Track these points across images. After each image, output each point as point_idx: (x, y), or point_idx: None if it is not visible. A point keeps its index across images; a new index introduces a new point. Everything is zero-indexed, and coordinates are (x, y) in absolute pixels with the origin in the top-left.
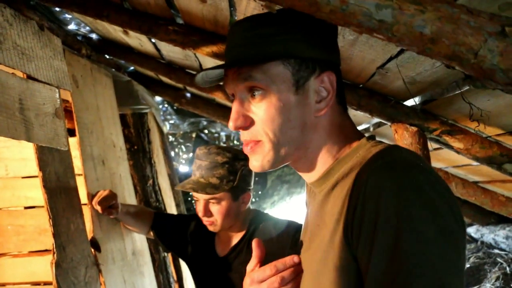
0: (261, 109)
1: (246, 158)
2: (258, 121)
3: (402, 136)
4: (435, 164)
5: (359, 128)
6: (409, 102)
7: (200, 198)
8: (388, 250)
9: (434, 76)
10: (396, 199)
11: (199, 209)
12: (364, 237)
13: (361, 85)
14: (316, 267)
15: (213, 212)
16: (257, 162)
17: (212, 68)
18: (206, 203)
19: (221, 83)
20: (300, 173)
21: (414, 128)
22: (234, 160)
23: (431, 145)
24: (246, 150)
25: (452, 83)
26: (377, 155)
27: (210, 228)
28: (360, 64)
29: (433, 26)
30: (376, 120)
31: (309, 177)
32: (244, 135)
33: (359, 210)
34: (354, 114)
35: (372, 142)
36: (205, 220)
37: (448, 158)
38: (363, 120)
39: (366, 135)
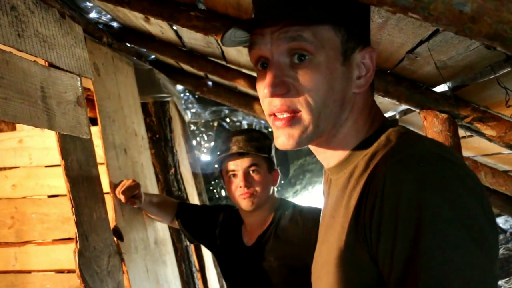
0: (306, 75)
1: (272, 139)
2: (300, 88)
3: (431, 124)
4: (463, 153)
5: (385, 115)
6: (439, 88)
7: (239, 169)
8: (409, 257)
9: (467, 60)
10: (418, 198)
11: (238, 182)
12: (384, 240)
13: (388, 71)
14: (331, 262)
15: (253, 181)
16: (290, 137)
17: (248, 21)
18: (246, 173)
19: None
20: (320, 156)
21: (444, 115)
22: (264, 138)
23: (461, 133)
24: (277, 123)
25: (487, 67)
26: (397, 147)
27: (250, 202)
28: (389, 49)
29: (474, 3)
30: (402, 107)
31: (328, 162)
32: (277, 104)
33: (377, 210)
34: (381, 101)
35: (395, 129)
36: (245, 192)
37: (477, 147)
38: (389, 108)
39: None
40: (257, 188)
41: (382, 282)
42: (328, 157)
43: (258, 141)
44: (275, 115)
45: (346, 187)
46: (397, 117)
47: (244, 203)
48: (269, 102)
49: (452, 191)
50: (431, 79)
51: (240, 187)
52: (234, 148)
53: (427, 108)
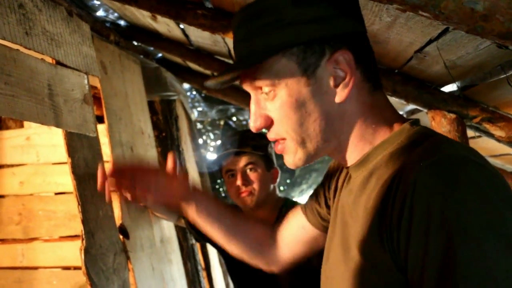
0: (275, 108)
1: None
2: (275, 120)
3: (439, 124)
4: None
5: None
6: (447, 88)
7: (236, 169)
8: (444, 268)
9: (477, 59)
10: (451, 205)
11: (237, 182)
12: (415, 248)
13: (396, 70)
14: (349, 263)
15: (250, 179)
16: (289, 159)
17: (219, 75)
18: (243, 172)
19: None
20: (337, 159)
21: (453, 115)
22: (261, 137)
23: (469, 133)
24: (277, 149)
25: (497, 67)
26: (427, 150)
27: (248, 200)
28: (397, 48)
29: (486, 1)
30: (410, 107)
31: (345, 162)
32: (269, 135)
33: (406, 216)
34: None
35: (417, 129)
36: (243, 191)
37: (486, 147)
38: (397, 107)
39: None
40: (255, 186)
41: (406, 287)
42: (344, 159)
43: (254, 140)
44: (274, 142)
45: (365, 187)
46: (405, 116)
47: (243, 201)
48: (267, 132)
49: (486, 198)
50: (440, 79)
51: (238, 185)
52: (231, 148)
53: (435, 108)
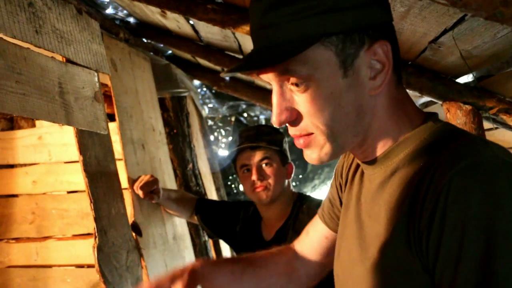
0: (307, 101)
1: (284, 132)
2: (306, 114)
3: (455, 115)
4: None
5: None
6: (462, 79)
7: (252, 164)
8: (479, 279)
9: (494, 49)
10: (488, 211)
11: (252, 177)
12: (446, 254)
13: (410, 62)
14: (370, 264)
15: (266, 174)
16: (314, 154)
17: (238, 69)
18: (259, 166)
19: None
20: (354, 153)
21: (468, 107)
22: (276, 132)
23: (485, 125)
24: (299, 143)
25: None
26: (461, 151)
27: (263, 195)
28: (410, 39)
29: None
30: (423, 99)
31: (362, 157)
32: (292, 130)
33: (438, 219)
34: None
35: (440, 125)
36: (258, 185)
37: (502, 140)
38: None
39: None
40: (270, 181)
41: (429, 285)
42: (363, 154)
43: (269, 135)
44: (295, 137)
45: (386, 186)
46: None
47: (258, 196)
48: (288, 128)
49: None
50: (455, 70)
51: (253, 180)
52: (246, 143)
53: (450, 100)
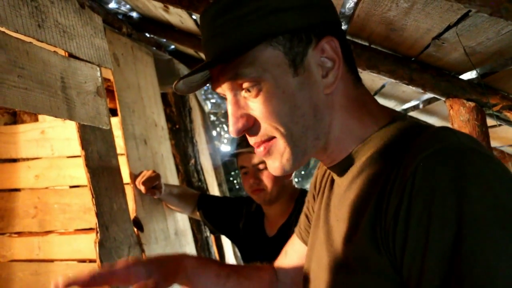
0: (260, 103)
1: None
2: (262, 117)
3: (458, 112)
4: (491, 143)
5: (407, 105)
6: (466, 76)
7: (249, 166)
8: (448, 262)
9: (498, 45)
10: (456, 197)
11: (250, 179)
12: (412, 245)
13: (413, 58)
14: (339, 267)
15: (262, 177)
16: (275, 163)
17: (189, 74)
18: (256, 169)
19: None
20: (320, 158)
21: (472, 104)
22: None
23: (489, 122)
24: (259, 152)
25: None
26: (426, 139)
27: (260, 198)
28: (414, 35)
29: None
30: (426, 96)
31: (329, 161)
32: (252, 139)
33: (403, 212)
34: (404, 90)
35: (407, 123)
36: (255, 188)
37: (505, 137)
38: (413, 97)
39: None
40: (267, 184)
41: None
42: (329, 158)
43: None
44: (256, 146)
45: (352, 187)
46: (421, 106)
47: (255, 198)
48: (248, 137)
49: (491, 189)
50: (458, 66)
51: (250, 183)
52: (243, 145)
53: (453, 97)
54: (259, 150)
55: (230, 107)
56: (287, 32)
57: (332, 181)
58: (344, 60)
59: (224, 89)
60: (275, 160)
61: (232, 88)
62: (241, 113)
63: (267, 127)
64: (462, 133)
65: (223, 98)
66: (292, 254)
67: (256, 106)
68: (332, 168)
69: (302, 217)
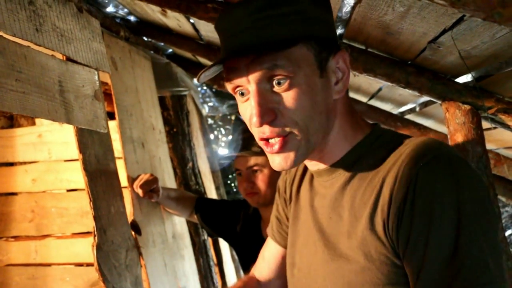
0: (289, 97)
1: None
2: (286, 111)
3: (454, 115)
4: (486, 145)
5: (404, 108)
6: (462, 79)
7: (243, 169)
8: (447, 246)
9: (493, 49)
10: (454, 195)
11: (244, 182)
12: (416, 236)
13: (409, 62)
14: (338, 265)
15: (256, 181)
16: (287, 159)
17: (222, 60)
18: (249, 173)
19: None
20: (310, 162)
21: (467, 107)
22: None
23: (484, 125)
24: (270, 149)
25: None
26: (422, 149)
27: (254, 201)
28: (410, 39)
29: None
30: (423, 99)
31: (318, 165)
32: (267, 131)
33: (408, 206)
34: (400, 93)
35: (387, 131)
36: (249, 191)
37: (500, 139)
38: (409, 100)
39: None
40: (261, 187)
41: (403, 274)
42: (321, 159)
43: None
44: (267, 141)
45: (347, 187)
46: (417, 109)
47: (250, 201)
48: (258, 129)
49: (476, 189)
50: (454, 70)
51: (244, 186)
52: (237, 149)
53: (449, 100)
54: (274, 146)
55: (256, 98)
56: (320, 39)
57: (311, 183)
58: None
59: (251, 79)
60: (289, 154)
61: (261, 79)
62: (268, 105)
63: (288, 121)
64: (447, 144)
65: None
66: (269, 256)
67: (284, 98)
68: (318, 172)
69: (274, 220)
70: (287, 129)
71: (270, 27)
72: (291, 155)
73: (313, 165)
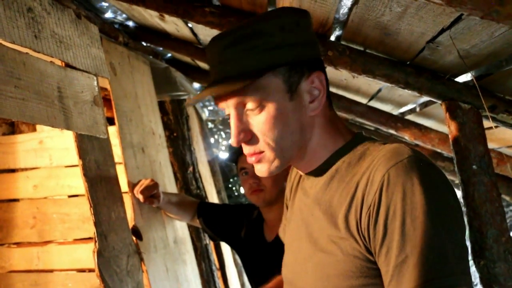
0: (260, 121)
1: None
2: (258, 133)
3: (454, 115)
4: (488, 144)
5: (404, 109)
6: (461, 78)
7: (249, 166)
8: (413, 241)
9: (492, 47)
10: (419, 196)
11: (250, 179)
12: (386, 232)
13: (408, 62)
14: (319, 259)
15: (262, 177)
16: (263, 168)
17: (200, 96)
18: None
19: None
20: (296, 166)
21: (468, 106)
22: None
23: (485, 124)
24: (251, 160)
25: None
26: (392, 154)
27: (260, 198)
28: (408, 39)
29: None
30: (422, 99)
31: (304, 169)
32: (246, 149)
33: (377, 206)
34: (400, 94)
35: (364, 138)
36: (255, 188)
37: (503, 138)
38: (409, 100)
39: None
40: (266, 184)
41: (376, 268)
42: (305, 165)
43: None
44: (249, 155)
45: (327, 188)
46: (418, 109)
47: (254, 199)
48: (243, 146)
49: (441, 190)
50: (453, 69)
51: (250, 183)
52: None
53: (449, 99)
54: (251, 159)
55: (233, 121)
56: (287, 64)
57: (302, 185)
58: (326, 88)
59: (229, 105)
60: (263, 165)
61: (237, 106)
62: (243, 128)
63: (261, 142)
64: (415, 149)
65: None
66: None
67: (256, 123)
68: (308, 173)
69: (283, 220)
70: (261, 148)
71: (238, 62)
72: (264, 168)
73: (299, 170)
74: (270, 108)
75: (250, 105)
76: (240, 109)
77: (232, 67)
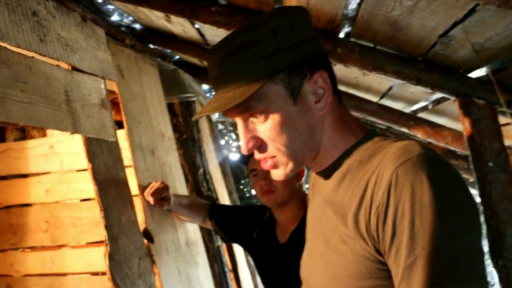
0: (267, 128)
1: None
2: (267, 139)
3: (468, 111)
4: (504, 141)
5: (416, 106)
6: (475, 73)
7: (259, 168)
8: (423, 243)
9: (507, 40)
10: (428, 195)
11: (261, 180)
12: (395, 233)
13: (419, 58)
14: (331, 253)
15: (273, 179)
16: (280, 172)
17: (202, 113)
18: (266, 171)
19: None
20: (309, 166)
21: (482, 102)
22: None
23: (501, 120)
24: (266, 166)
25: None
26: (402, 151)
27: (271, 200)
28: (419, 34)
29: None
30: (435, 96)
31: (316, 168)
32: (258, 155)
33: (386, 206)
34: (412, 91)
35: (380, 135)
36: (266, 190)
37: None
38: (422, 98)
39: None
40: (278, 185)
41: (386, 269)
42: (317, 165)
43: None
44: (262, 160)
45: (339, 188)
46: (430, 107)
47: (265, 201)
48: (255, 153)
49: (453, 189)
50: (467, 64)
51: (261, 184)
52: None
53: (463, 95)
54: (266, 164)
55: (241, 129)
56: (285, 69)
57: (318, 184)
58: (331, 85)
59: (234, 116)
60: (280, 170)
61: (243, 116)
62: (251, 136)
63: (272, 147)
64: (426, 146)
65: None
66: None
67: (263, 130)
68: (319, 173)
69: None
70: (272, 153)
71: (234, 74)
72: (280, 172)
73: (312, 169)
74: (274, 115)
75: (254, 114)
76: (246, 118)
77: (229, 80)
